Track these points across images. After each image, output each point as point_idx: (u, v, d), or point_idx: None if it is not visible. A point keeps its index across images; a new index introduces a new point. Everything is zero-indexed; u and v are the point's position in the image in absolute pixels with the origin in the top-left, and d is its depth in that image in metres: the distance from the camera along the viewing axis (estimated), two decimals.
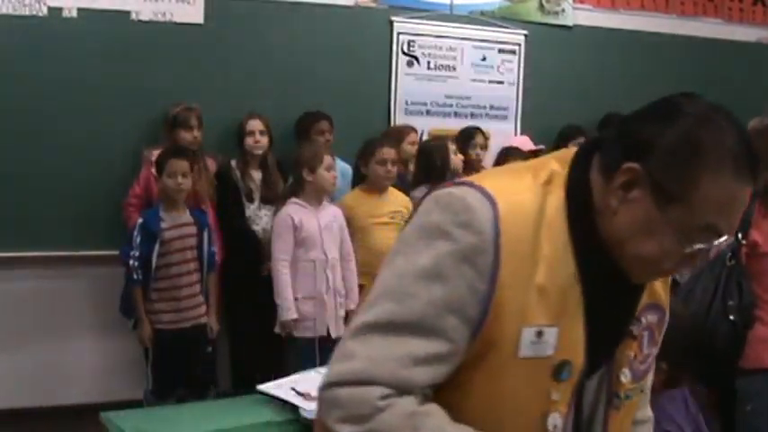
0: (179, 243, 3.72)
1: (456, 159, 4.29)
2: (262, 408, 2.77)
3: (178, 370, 3.76)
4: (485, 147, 4.66)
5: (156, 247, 3.65)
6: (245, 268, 4.03)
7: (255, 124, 4.15)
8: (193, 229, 3.77)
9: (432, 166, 4.23)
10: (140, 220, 3.70)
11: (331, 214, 3.87)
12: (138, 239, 3.65)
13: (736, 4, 5.66)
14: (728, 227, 1.11)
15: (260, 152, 4.15)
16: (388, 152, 4.05)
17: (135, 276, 3.66)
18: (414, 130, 4.63)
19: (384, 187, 4.09)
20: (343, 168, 4.30)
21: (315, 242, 3.78)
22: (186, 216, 3.78)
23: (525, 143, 4.78)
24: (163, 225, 3.69)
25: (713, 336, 2.55)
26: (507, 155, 4.41)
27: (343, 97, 4.53)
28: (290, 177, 4.22)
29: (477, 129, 4.71)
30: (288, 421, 2.68)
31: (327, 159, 3.82)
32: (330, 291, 3.80)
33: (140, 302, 3.67)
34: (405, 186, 4.25)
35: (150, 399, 3.73)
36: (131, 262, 3.64)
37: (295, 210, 3.81)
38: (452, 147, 4.30)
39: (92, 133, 4.09)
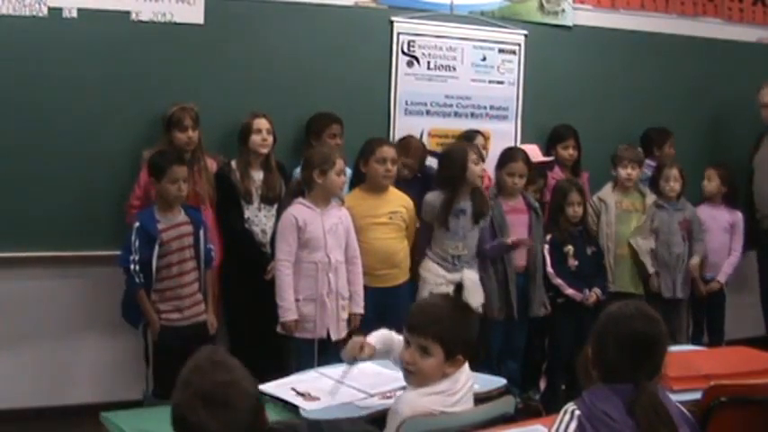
0: (177, 243, 3.71)
1: (475, 169, 4.07)
2: None
3: (180, 370, 3.75)
4: (485, 147, 4.64)
5: (156, 248, 3.64)
6: (244, 269, 4.03)
7: (262, 123, 4.13)
8: (189, 228, 3.76)
9: (450, 173, 4.08)
10: (137, 224, 3.68)
11: (336, 216, 3.85)
12: (137, 243, 3.64)
13: (736, 4, 5.65)
14: None
15: (265, 151, 4.14)
16: (388, 151, 4.05)
17: (137, 280, 3.65)
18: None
19: (384, 186, 4.08)
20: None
21: (318, 244, 3.77)
22: (182, 216, 3.77)
23: (534, 153, 4.66)
24: (160, 226, 3.68)
25: None
26: (511, 156, 4.34)
27: (343, 97, 4.51)
28: (293, 178, 4.22)
29: (477, 131, 4.71)
30: None
31: (340, 163, 3.80)
32: (332, 294, 3.79)
33: (146, 302, 3.67)
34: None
35: (152, 400, 3.71)
36: (132, 266, 3.63)
37: (300, 210, 3.79)
38: (473, 156, 4.08)
39: (91, 133, 4.08)
